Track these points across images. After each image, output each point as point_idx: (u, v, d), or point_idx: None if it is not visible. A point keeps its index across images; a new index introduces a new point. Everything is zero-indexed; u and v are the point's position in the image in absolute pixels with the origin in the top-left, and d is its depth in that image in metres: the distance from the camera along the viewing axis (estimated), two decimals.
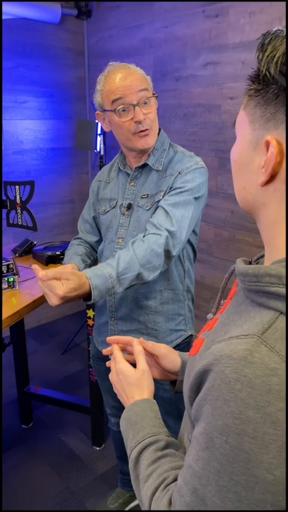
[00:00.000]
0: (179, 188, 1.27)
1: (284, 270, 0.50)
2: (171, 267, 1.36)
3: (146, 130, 1.27)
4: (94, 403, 2.10)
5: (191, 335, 1.49)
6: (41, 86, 3.01)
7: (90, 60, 3.22)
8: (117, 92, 1.23)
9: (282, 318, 0.49)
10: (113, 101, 1.25)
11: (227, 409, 0.47)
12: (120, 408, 1.63)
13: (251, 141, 0.54)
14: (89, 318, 1.97)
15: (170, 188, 1.30)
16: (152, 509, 0.61)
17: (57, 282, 1.08)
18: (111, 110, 1.26)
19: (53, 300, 1.11)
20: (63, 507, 1.85)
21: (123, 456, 1.77)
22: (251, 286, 0.53)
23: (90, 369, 2.03)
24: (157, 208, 1.30)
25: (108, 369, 1.60)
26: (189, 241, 1.39)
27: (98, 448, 2.18)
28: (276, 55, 0.48)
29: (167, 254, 1.23)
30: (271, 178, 0.52)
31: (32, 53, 2.91)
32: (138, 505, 1.87)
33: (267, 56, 0.49)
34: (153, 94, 1.29)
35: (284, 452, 0.45)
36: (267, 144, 0.51)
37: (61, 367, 2.90)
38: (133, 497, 1.85)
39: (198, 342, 0.65)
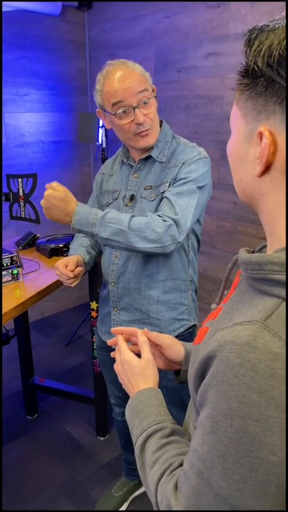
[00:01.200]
0: (183, 179, 1.29)
1: (286, 258, 0.51)
2: (175, 257, 1.37)
3: (147, 130, 1.28)
4: (98, 394, 2.12)
5: (194, 325, 1.50)
6: (42, 78, 3.00)
7: (92, 52, 3.21)
8: (116, 95, 1.24)
9: (285, 305, 0.49)
10: (113, 104, 1.25)
11: (232, 393, 0.48)
12: (124, 398, 1.65)
13: (245, 134, 0.55)
14: (93, 310, 1.99)
15: (175, 179, 1.31)
16: (158, 494, 0.62)
17: (50, 189, 1.26)
18: (112, 114, 1.27)
19: (42, 200, 1.28)
20: (68, 496, 1.88)
21: (127, 445, 1.80)
22: (254, 275, 0.54)
23: (94, 361, 2.05)
24: (162, 199, 1.31)
25: (113, 360, 1.62)
26: (193, 231, 1.40)
27: (102, 438, 2.21)
28: (263, 49, 0.49)
29: (172, 239, 1.23)
30: (266, 169, 0.53)
31: (33, 45, 2.90)
32: (142, 494, 1.89)
33: (254, 51, 0.51)
34: (153, 90, 1.30)
35: (287, 435, 0.46)
36: (261, 135, 0.52)
37: (65, 359, 2.92)
38: (137, 486, 1.88)
39: (202, 330, 0.66)
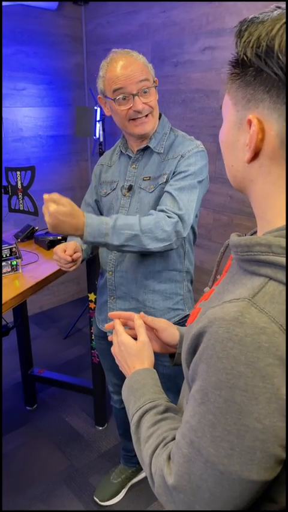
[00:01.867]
0: (183, 172, 1.31)
1: (274, 239, 0.53)
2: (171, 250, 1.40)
3: (146, 116, 1.31)
4: (97, 384, 2.16)
5: (189, 315, 1.53)
6: (39, 73, 3.01)
7: (89, 47, 3.22)
8: (118, 81, 1.27)
9: (272, 283, 0.52)
10: (114, 91, 1.28)
11: (220, 365, 0.51)
12: (122, 386, 1.68)
13: (236, 122, 0.58)
14: (91, 301, 2.02)
15: (174, 172, 1.33)
16: (152, 465, 0.65)
17: (52, 203, 1.18)
18: (112, 99, 1.30)
19: (46, 217, 1.19)
20: (68, 483, 1.92)
21: (125, 433, 1.83)
22: (244, 256, 0.57)
23: (93, 351, 2.08)
24: (161, 191, 1.34)
25: (110, 348, 1.65)
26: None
27: (100, 428, 2.24)
28: (252, 40, 0.52)
29: (178, 235, 1.26)
30: (255, 155, 0.56)
31: (31, 39, 2.91)
32: (140, 480, 1.93)
33: (244, 42, 0.53)
34: (154, 81, 1.33)
35: (272, 403, 0.49)
36: (250, 123, 0.54)
37: (63, 351, 2.96)
38: (135, 473, 1.92)
39: (195, 311, 0.69)
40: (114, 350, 0.88)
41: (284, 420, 0.49)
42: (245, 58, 0.53)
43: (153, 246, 1.23)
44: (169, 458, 0.62)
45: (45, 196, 1.19)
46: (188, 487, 0.56)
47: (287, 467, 0.57)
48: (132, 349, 0.84)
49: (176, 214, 1.25)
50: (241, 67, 0.55)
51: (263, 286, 0.52)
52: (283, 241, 0.53)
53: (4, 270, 1.58)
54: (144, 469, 0.69)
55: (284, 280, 0.51)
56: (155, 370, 0.82)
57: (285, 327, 0.49)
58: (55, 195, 1.18)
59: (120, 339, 0.86)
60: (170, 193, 1.29)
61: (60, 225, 1.18)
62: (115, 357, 0.88)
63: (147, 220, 1.23)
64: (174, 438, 0.65)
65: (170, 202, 1.28)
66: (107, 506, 1.81)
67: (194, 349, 0.58)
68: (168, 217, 1.25)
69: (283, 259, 0.52)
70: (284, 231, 0.54)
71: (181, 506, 0.58)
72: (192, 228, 1.45)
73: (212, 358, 0.52)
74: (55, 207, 1.16)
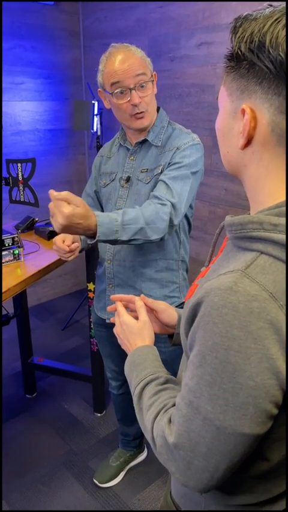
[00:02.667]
0: (178, 163, 1.35)
1: (264, 217, 0.59)
2: (167, 239, 1.45)
3: (142, 112, 1.35)
4: (95, 372, 2.21)
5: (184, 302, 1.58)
6: (37, 67, 3.05)
7: (86, 42, 3.26)
8: (115, 75, 1.31)
9: (262, 257, 0.58)
10: (112, 84, 1.32)
11: (216, 330, 0.56)
12: (120, 372, 1.74)
13: (230, 111, 0.63)
14: (90, 291, 2.07)
15: (169, 164, 1.38)
16: (154, 430, 0.71)
17: (66, 203, 1.10)
18: (110, 93, 1.34)
19: (59, 219, 1.09)
20: (68, 467, 1.98)
21: (123, 418, 1.89)
22: (237, 234, 0.63)
23: (92, 340, 2.14)
24: (156, 181, 1.38)
25: (108, 335, 1.71)
26: (185, 215, 1.47)
27: (99, 414, 2.30)
28: (245, 35, 0.56)
29: (170, 223, 1.30)
30: (248, 142, 0.61)
31: (29, 34, 2.94)
32: (137, 464, 1.99)
33: (238, 37, 0.58)
34: (152, 76, 1.36)
35: (263, 363, 0.54)
36: (243, 112, 0.59)
37: (62, 342, 3.01)
38: (133, 457, 1.98)
39: (192, 288, 0.75)
40: (116, 330, 0.93)
41: (274, 378, 0.55)
42: (239, 52, 0.58)
43: (155, 237, 1.26)
44: (169, 421, 0.67)
45: (55, 194, 1.09)
46: (187, 444, 0.61)
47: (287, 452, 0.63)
48: (133, 328, 0.89)
49: (169, 201, 1.29)
50: (236, 60, 0.60)
51: (254, 260, 0.58)
52: (273, 219, 0.58)
53: (6, 259, 1.63)
54: (146, 435, 0.74)
55: (274, 253, 0.57)
56: (155, 347, 0.88)
57: (275, 296, 0.55)
58: (67, 194, 1.10)
59: (122, 319, 0.91)
60: (164, 181, 1.33)
61: (73, 227, 1.12)
62: (117, 337, 0.93)
63: (149, 211, 1.25)
64: (174, 405, 0.70)
65: (164, 189, 1.32)
66: (106, 488, 1.87)
67: (192, 319, 0.63)
68: (163, 204, 1.28)
69: (273, 235, 0.57)
70: (274, 210, 0.59)
71: (181, 463, 0.63)
72: (187, 218, 1.50)
73: (208, 324, 0.57)
74: (71, 209, 1.08)
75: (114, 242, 1.23)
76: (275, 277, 0.56)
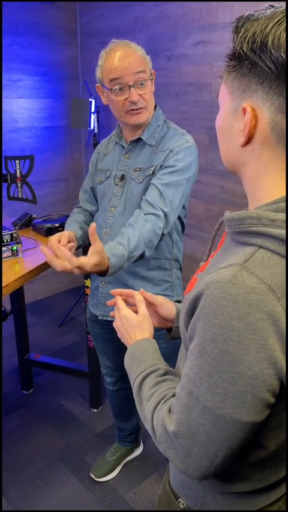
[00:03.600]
0: (171, 167, 1.36)
1: (263, 213, 0.61)
2: None
3: (140, 108, 1.35)
4: (92, 368, 2.23)
5: (178, 301, 1.58)
6: (34, 64, 3.05)
7: (83, 39, 3.26)
8: (115, 72, 1.31)
9: (261, 251, 0.60)
10: (111, 80, 1.32)
11: (216, 321, 0.58)
12: (114, 368, 1.76)
13: (231, 109, 0.65)
14: (87, 287, 2.08)
15: (161, 166, 1.38)
16: (154, 419, 0.72)
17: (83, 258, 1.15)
18: (109, 89, 1.34)
19: (77, 272, 1.17)
20: (64, 461, 1.99)
21: (119, 414, 1.91)
22: (236, 229, 0.65)
23: (88, 336, 2.15)
24: (148, 182, 1.39)
25: (102, 331, 1.72)
26: (178, 216, 1.47)
27: (95, 410, 2.32)
28: (248, 36, 0.58)
29: (162, 233, 1.34)
30: (249, 140, 0.62)
31: (26, 31, 2.95)
32: (133, 459, 2.02)
33: (241, 37, 0.59)
34: (151, 74, 1.37)
35: (261, 353, 0.56)
36: (244, 111, 0.61)
37: (58, 339, 3.02)
38: (129, 451, 2.00)
39: (192, 282, 0.76)
40: (116, 323, 0.95)
41: (272, 368, 0.57)
42: (241, 52, 0.60)
43: (149, 253, 1.33)
44: (169, 410, 0.69)
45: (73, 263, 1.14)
46: (187, 432, 0.63)
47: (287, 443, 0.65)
48: (133, 321, 0.91)
49: (162, 210, 1.32)
50: (237, 60, 0.61)
51: (253, 254, 0.60)
52: (271, 215, 0.60)
53: (5, 255, 1.64)
54: (146, 425, 0.76)
55: (272, 247, 0.59)
56: (154, 340, 0.90)
57: (273, 289, 0.57)
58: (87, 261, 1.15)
59: (122, 313, 0.93)
60: (157, 187, 1.34)
61: (94, 269, 1.18)
62: (117, 331, 0.95)
63: (147, 232, 1.28)
64: (173, 395, 0.72)
65: (156, 196, 1.33)
66: (102, 482, 1.89)
67: (192, 311, 0.65)
68: (156, 216, 1.31)
69: (271, 230, 0.59)
70: (272, 206, 0.61)
71: (180, 451, 0.65)
72: (180, 218, 1.50)
73: (208, 315, 0.59)
74: (90, 262, 1.14)
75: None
76: (272, 271, 0.58)
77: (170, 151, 1.38)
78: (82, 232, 1.57)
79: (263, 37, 0.57)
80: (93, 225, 1.11)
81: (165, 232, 1.35)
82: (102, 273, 1.22)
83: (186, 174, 1.37)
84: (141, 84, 1.33)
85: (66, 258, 1.13)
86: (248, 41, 0.58)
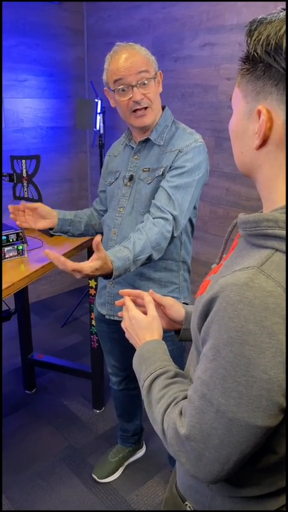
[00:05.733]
0: (180, 168, 1.35)
1: (280, 216, 0.60)
2: None
3: (144, 109, 1.36)
4: (95, 368, 2.23)
5: (185, 303, 1.58)
6: (41, 65, 3.05)
7: (89, 40, 3.27)
8: (118, 73, 1.32)
9: (278, 254, 0.59)
10: (115, 82, 1.34)
11: (231, 324, 0.58)
12: (120, 367, 1.76)
13: (245, 112, 0.64)
14: (91, 287, 2.08)
15: (171, 167, 1.38)
16: (164, 422, 0.72)
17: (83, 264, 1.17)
18: (113, 90, 1.36)
19: (77, 276, 1.19)
20: (67, 462, 1.99)
21: (123, 414, 1.91)
22: (252, 231, 0.64)
23: (92, 336, 2.15)
24: (157, 183, 1.39)
25: (109, 331, 1.72)
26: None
27: (98, 411, 2.32)
28: (262, 38, 0.58)
29: (171, 236, 1.33)
30: (264, 143, 0.62)
31: (32, 31, 2.95)
32: (136, 460, 2.01)
33: (254, 40, 0.59)
34: (156, 74, 1.37)
35: (277, 357, 0.56)
36: (259, 113, 0.61)
37: (61, 339, 3.02)
38: (132, 453, 1.99)
39: (204, 284, 0.76)
40: (125, 324, 0.94)
41: None
42: (256, 55, 0.60)
43: (158, 256, 1.33)
44: (180, 413, 0.69)
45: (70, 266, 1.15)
46: (199, 436, 0.63)
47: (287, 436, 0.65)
48: (142, 322, 0.90)
49: (171, 213, 1.31)
50: (251, 62, 0.61)
51: (270, 257, 0.59)
52: None
53: (11, 254, 1.64)
54: (156, 428, 0.75)
55: None
56: (164, 342, 0.89)
57: None
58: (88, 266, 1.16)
59: (131, 314, 0.92)
60: (166, 191, 1.34)
61: (96, 273, 1.19)
62: (125, 331, 0.94)
63: (154, 235, 1.29)
64: (184, 398, 0.72)
65: (165, 200, 1.33)
66: (104, 483, 1.89)
67: (206, 314, 0.65)
68: (165, 219, 1.31)
69: None
70: None
71: (192, 454, 0.65)
72: (190, 220, 1.50)
73: (223, 319, 0.59)
74: (90, 266, 1.16)
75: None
76: None
77: (179, 151, 1.37)
78: (72, 218, 1.58)
79: (278, 39, 0.57)
80: (97, 237, 1.12)
81: (175, 235, 1.34)
82: (108, 276, 1.23)
83: (196, 175, 1.37)
84: (144, 84, 1.33)
85: (60, 262, 1.14)
86: (262, 44, 0.58)
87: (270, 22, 0.59)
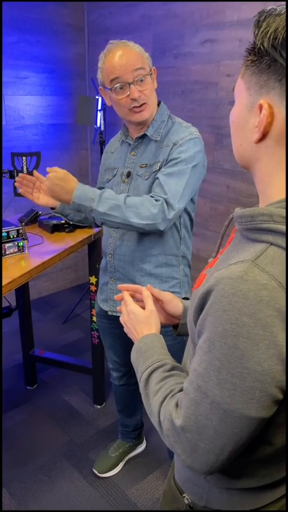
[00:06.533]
0: (175, 159, 1.36)
1: (275, 210, 0.61)
2: (167, 234, 1.46)
3: (142, 105, 1.36)
4: (96, 364, 2.24)
5: (186, 298, 1.59)
6: (41, 62, 3.06)
7: (90, 37, 3.27)
8: (114, 71, 1.33)
9: (272, 248, 0.60)
10: (111, 80, 1.34)
11: (226, 317, 0.58)
12: (121, 363, 1.77)
13: (247, 105, 0.64)
14: (92, 284, 2.09)
15: (167, 160, 1.38)
16: (161, 414, 0.73)
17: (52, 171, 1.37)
18: (110, 89, 1.36)
19: (46, 182, 1.38)
20: (67, 457, 2.01)
21: (123, 409, 1.92)
22: (247, 225, 0.65)
23: (93, 332, 2.16)
24: (155, 178, 1.39)
25: (110, 327, 1.74)
26: (185, 210, 1.48)
27: (99, 406, 2.33)
28: (269, 31, 0.57)
29: (164, 217, 1.32)
30: (263, 137, 0.62)
31: (33, 28, 2.95)
32: (136, 455, 2.02)
33: (262, 32, 0.59)
34: (150, 70, 1.38)
35: (270, 349, 0.57)
36: (261, 107, 0.61)
37: (62, 335, 3.03)
38: (132, 448, 2.01)
39: (201, 277, 0.77)
40: (123, 318, 0.95)
41: (281, 364, 0.57)
42: (262, 48, 0.59)
43: (135, 221, 1.31)
44: (177, 405, 0.70)
45: (49, 168, 1.38)
46: (194, 427, 0.64)
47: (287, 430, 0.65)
48: (140, 316, 0.91)
49: (162, 197, 1.32)
50: (257, 55, 0.61)
51: (264, 250, 0.60)
52: (283, 212, 0.60)
53: (11, 251, 1.65)
54: (153, 420, 0.76)
55: (283, 244, 0.59)
56: (161, 336, 0.90)
57: (284, 285, 0.57)
58: (55, 167, 1.38)
59: (130, 308, 0.93)
60: (159, 180, 1.35)
61: (55, 188, 1.35)
62: (124, 326, 0.95)
63: (134, 198, 1.33)
64: (180, 390, 0.73)
65: (157, 188, 1.35)
66: (105, 477, 1.90)
67: (201, 307, 0.65)
68: (155, 200, 1.32)
69: (283, 227, 0.59)
70: (284, 203, 0.62)
71: (187, 445, 0.65)
72: (188, 213, 1.50)
73: (218, 311, 0.59)
74: (53, 173, 1.36)
75: (91, 212, 1.34)
76: (283, 268, 0.58)
77: (174, 144, 1.38)
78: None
79: (285, 34, 0.56)
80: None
81: (169, 216, 1.32)
82: (70, 199, 1.35)
83: (190, 163, 1.36)
84: (141, 80, 1.34)
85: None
86: (270, 37, 0.57)
87: (279, 14, 0.58)
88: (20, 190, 1.56)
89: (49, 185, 1.36)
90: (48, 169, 1.38)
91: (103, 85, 1.40)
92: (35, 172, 1.54)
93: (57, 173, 1.36)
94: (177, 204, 1.34)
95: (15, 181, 1.98)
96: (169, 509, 0.91)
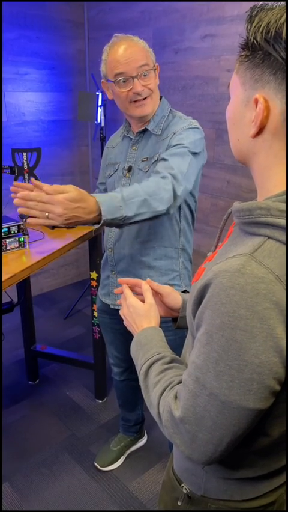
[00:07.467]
0: (176, 145, 1.35)
1: (272, 204, 0.62)
2: (166, 226, 1.46)
3: (144, 98, 1.37)
4: (97, 359, 2.25)
5: (186, 291, 1.60)
6: (42, 58, 3.05)
7: (90, 33, 3.26)
8: (118, 65, 1.33)
9: (270, 241, 0.60)
10: (115, 74, 1.34)
11: (224, 310, 0.59)
12: (122, 358, 1.78)
13: (243, 100, 0.65)
14: (93, 279, 2.10)
15: (167, 148, 1.38)
16: (160, 405, 0.74)
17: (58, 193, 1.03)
18: (113, 81, 1.36)
19: (56, 210, 1.02)
20: (69, 450, 2.02)
21: (125, 404, 1.93)
22: (245, 219, 0.65)
23: (94, 327, 2.17)
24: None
25: (111, 322, 1.74)
26: (186, 202, 1.47)
27: (100, 401, 2.35)
28: (262, 25, 0.58)
29: (175, 194, 1.24)
30: (260, 131, 0.63)
31: (33, 24, 2.95)
32: (138, 449, 2.04)
33: (254, 27, 0.59)
34: (154, 65, 1.38)
35: (267, 341, 0.57)
36: (256, 101, 0.61)
37: (64, 331, 3.05)
38: (133, 442, 2.02)
39: (200, 271, 0.78)
40: (123, 311, 0.96)
41: (278, 356, 0.58)
42: (255, 42, 0.59)
43: (161, 207, 1.20)
44: (176, 397, 0.71)
45: (46, 187, 1.02)
46: (193, 418, 0.65)
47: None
48: (140, 310, 0.92)
49: (169, 173, 1.25)
50: (251, 49, 0.61)
51: (262, 244, 0.61)
52: (281, 205, 0.61)
53: (12, 246, 1.66)
54: (152, 411, 0.77)
55: (280, 238, 0.60)
56: (161, 329, 0.91)
57: (281, 278, 0.58)
58: (56, 186, 1.03)
59: (129, 302, 0.94)
60: (163, 158, 1.32)
61: (74, 212, 1.04)
62: (124, 319, 0.96)
63: (147, 184, 1.21)
64: (179, 382, 0.74)
65: (161, 165, 1.30)
66: (107, 471, 1.92)
67: (199, 300, 0.66)
68: (163, 177, 1.24)
69: (280, 220, 0.60)
70: (282, 197, 0.62)
71: (186, 436, 0.66)
72: (189, 206, 1.49)
73: (216, 304, 0.60)
74: (62, 196, 1.02)
75: (121, 223, 1.15)
76: (281, 261, 0.58)
77: (173, 133, 1.38)
78: None
79: (278, 27, 0.56)
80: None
81: (178, 192, 1.24)
82: (97, 219, 1.10)
83: (192, 149, 1.34)
84: (145, 75, 1.34)
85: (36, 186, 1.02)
86: (262, 31, 0.58)
87: (271, 9, 0.58)
88: (15, 201, 1.08)
89: (65, 212, 1.02)
90: (35, 183, 1.03)
91: (106, 78, 1.40)
92: (33, 180, 1.08)
93: (69, 194, 1.03)
94: (183, 181, 1.26)
95: (15, 177, 1.99)
96: (168, 498, 0.93)
